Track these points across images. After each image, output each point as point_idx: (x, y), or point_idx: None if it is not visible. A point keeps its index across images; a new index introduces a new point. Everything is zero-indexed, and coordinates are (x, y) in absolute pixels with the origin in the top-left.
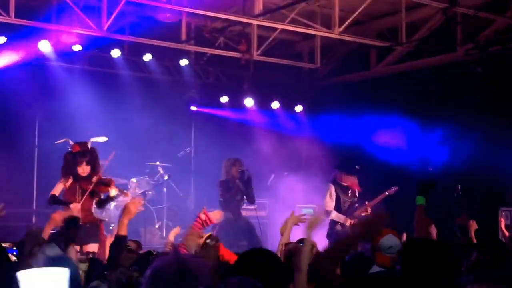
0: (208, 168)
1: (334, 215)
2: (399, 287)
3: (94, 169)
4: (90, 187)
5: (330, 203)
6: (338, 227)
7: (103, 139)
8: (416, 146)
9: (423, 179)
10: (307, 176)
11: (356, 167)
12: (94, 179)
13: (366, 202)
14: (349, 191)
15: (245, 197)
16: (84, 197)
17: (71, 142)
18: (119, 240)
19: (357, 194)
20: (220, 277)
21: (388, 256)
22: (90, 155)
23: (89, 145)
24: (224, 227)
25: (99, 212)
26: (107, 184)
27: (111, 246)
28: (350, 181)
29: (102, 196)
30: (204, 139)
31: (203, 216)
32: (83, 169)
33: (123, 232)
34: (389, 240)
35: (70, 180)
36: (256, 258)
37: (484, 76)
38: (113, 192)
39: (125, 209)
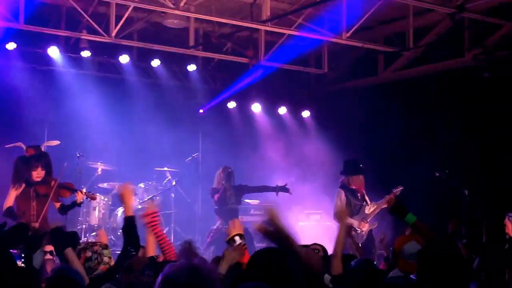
0: (215, 173)
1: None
2: None
3: (49, 173)
4: (52, 192)
5: (340, 208)
6: (352, 232)
7: (55, 143)
8: (423, 150)
9: (398, 201)
10: (315, 181)
11: (361, 166)
12: (53, 183)
13: (386, 196)
14: (358, 194)
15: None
16: (45, 203)
17: (23, 146)
18: (129, 221)
19: (366, 198)
20: (233, 280)
21: (410, 262)
22: (44, 158)
23: (43, 149)
24: (217, 236)
25: (107, 216)
26: (69, 188)
27: (124, 228)
28: (358, 181)
29: (60, 201)
30: (211, 145)
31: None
32: (38, 173)
33: (130, 213)
34: (412, 247)
35: (22, 186)
36: (268, 258)
37: (492, 81)
38: (79, 197)
39: (121, 196)
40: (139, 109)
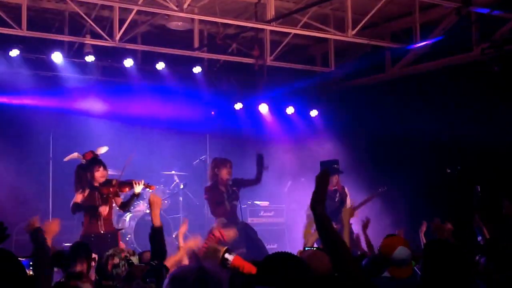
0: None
1: None
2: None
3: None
4: (113, 190)
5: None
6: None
7: (104, 149)
8: (432, 145)
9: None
10: None
11: (335, 166)
12: (115, 182)
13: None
14: (337, 196)
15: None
16: (108, 203)
17: (79, 155)
18: (156, 231)
19: (347, 199)
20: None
21: (403, 268)
22: (101, 160)
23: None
24: None
25: (115, 222)
26: (129, 183)
27: (151, 238)
28: (333, 182)
29: (121, 198)
30: (219, 147)
31: (217, 233)
32: (102, 173)
33: (157, 223)
34: (402, 253)
35: (87, 191)
36: (280, 262)
37: (502, 74)
38: (138, 188)
39: (151, 205)
40: (145, 112)
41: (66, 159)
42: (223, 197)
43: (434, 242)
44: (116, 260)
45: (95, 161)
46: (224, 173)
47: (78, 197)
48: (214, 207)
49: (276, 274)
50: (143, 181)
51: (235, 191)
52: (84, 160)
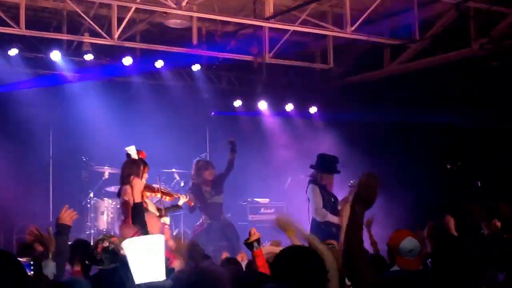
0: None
1: (329, 216)
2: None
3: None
4: (155, 193)
5: (321, 204)
6: (333, 230)
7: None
8: (432, 141)
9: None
10: None
11: (337, 165)
12: (157, 188)
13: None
14: (327, 190)
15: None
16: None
17: (133, 150)
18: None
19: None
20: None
21: (408, 259)
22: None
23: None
24: (200, 230)
25: (115, 223)
26: (170, 193)
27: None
28: (330, 180)
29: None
30: (219, 144)
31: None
32: (145, 177)
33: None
34: (409, 243)
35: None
36: (296, 256)
37: (501, 70)
38: (181, 201)
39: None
40: (144, 110)
41: (127, 148)
42: (203, 197)
43: (445, 238)
44: (106, 244)
45: (146, 163)
46: (207, 175)
47: (128, 194)
48: (199, 205)
49: (293, 268)
50: (187, 196)
51: (219, 187)
52: (137, 157)
